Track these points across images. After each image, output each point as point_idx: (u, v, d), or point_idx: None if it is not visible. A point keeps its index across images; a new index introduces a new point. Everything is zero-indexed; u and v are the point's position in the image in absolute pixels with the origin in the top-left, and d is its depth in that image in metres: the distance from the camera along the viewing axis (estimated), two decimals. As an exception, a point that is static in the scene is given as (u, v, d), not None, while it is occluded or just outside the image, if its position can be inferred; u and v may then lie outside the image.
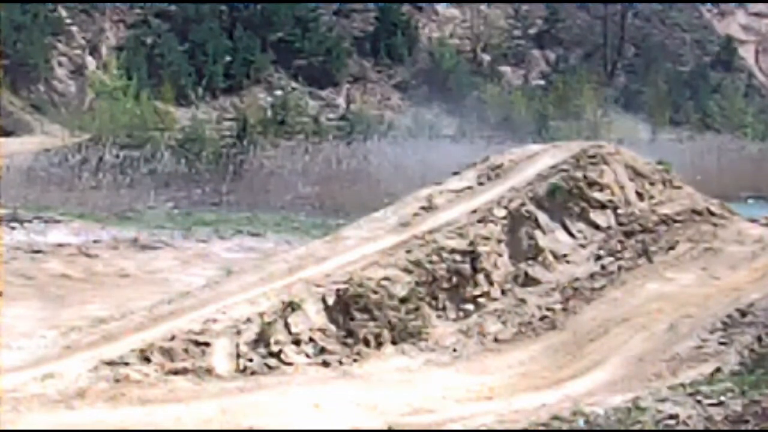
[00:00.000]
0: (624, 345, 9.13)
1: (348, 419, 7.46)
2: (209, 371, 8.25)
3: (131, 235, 13.67)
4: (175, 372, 8.16)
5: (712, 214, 11.86)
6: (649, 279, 10.60)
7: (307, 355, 8.73)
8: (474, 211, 10.81)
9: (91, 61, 46.53)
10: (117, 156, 32.11)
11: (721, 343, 8.81)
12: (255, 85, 47.16)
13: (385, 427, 7.27)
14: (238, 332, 8.62)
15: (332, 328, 9.03)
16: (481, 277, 10.12)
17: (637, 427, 6.54)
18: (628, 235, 11.23)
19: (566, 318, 9.90)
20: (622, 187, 11.68)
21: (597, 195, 11.43)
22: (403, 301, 9.45)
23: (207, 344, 8.44)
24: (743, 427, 6.50)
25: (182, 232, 15.42)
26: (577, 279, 10.54)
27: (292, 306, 8.96)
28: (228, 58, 46.88)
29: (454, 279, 9.95)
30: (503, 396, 8.15)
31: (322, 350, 8.81)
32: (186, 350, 8.34)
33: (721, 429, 6.53)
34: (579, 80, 49.98)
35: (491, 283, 10.17)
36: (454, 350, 9.35)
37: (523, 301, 10.15)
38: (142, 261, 12.46)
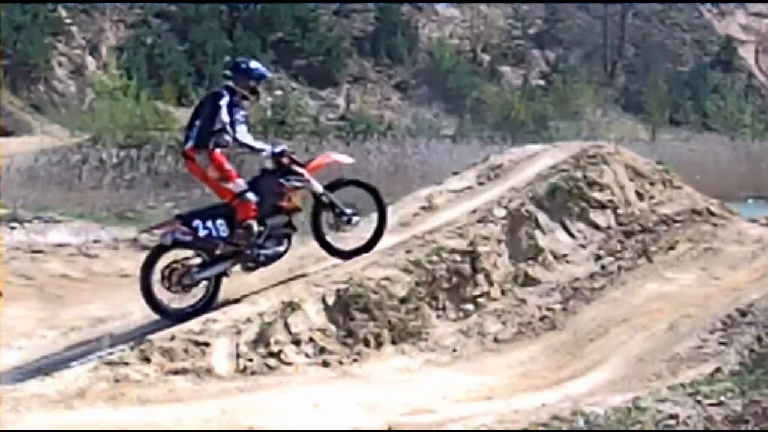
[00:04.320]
0: (624, 345, 9.13)
1: (348, 419, 7.45)
2: (209, 371, 8.25)
3: (131, 235, 13.64)
4: (175, 372, 8.15)
5: (712, 214, 11.87)
6: (649, 279, 10.60)
7: (307, 355, 8.73)
8: (474, 211, 10.81)
9: (91, 61, 46.58)
10: (117, 156, 32.12)
11: (721, 343, 8.81)
12: (255, 85, 47.05)
13: (385, 427, 7.27)
14: (238, 332, 8.62)
15: (332, 328, 9.02)
16: (481, 277, 10.11)
17: (637, 427, 6.54)
18: (628, 235, 11.24)
19: (566, 318, 9.90)
20: (622, 187, 11.68)
21: (597, 195, 11.43)
22: (403, 301, 9.45)
23: (207, 344, 8.44)
24: (743, 427, 6.50)
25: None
26: (577, 279, 10.54)
27: (292, 306, 8.95)
28: (228, 58, 46.89)
29: (454, 279, 9.94)
30: (503, 396, 8.15)
31: (322, 350, 8.81)
32: (186, 350, 8.34)
33: (721, 429, 6.53)
34: (579, 80, 50.03)
35: (491, 283, 10.16)
36: (454, 350, 9.35)
37: (523, 301, 10.14)
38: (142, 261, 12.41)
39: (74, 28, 47.13)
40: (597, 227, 11.26)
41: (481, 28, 54.53)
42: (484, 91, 49.55)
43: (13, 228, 13.91)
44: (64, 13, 47.14)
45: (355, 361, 8.81)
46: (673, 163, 15.01)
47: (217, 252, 9.14)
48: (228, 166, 9.30)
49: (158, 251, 9.18)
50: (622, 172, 11.82)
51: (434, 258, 9.91)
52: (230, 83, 9.43)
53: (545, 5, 55.82)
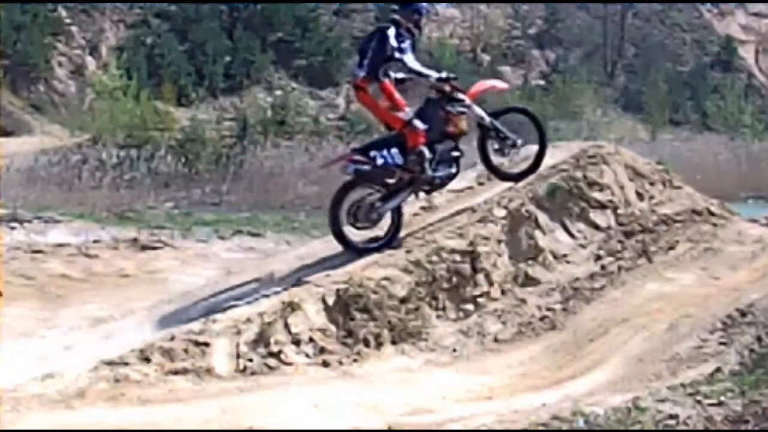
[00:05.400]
0: (624, 345, 9.12)
1: (348, 419, 7.46)
2: (209, 371, 8.25)
3: (131, 235, 13.65)
4: (175, 372, 8.16)
5: (712, 214, 11.85)
6: (649, 279, 10.59)
7: (307, 355, 8.73)
8: (474, 211, 10.80)
9: (91, 61, 46.57)
10: (117, 156, 32.09)
11: (721, 343, 8.80)
12: (255, 85, 47.19)
13: (385, 427, 7.27)
14: (238, 332, 8.62)
15: (332, 328, 9.02)
16: (481, 277, 10.11)
17: (637, 427, 6.54)
18: (628, 235, 11.23)
19: (566, 318, 9.90)
20: (622, 187, 11.67)
21: (597, 195, 11.42)
22: (403, 301, 9.45)
23: (207, 344, 8.44)
24: (743, 427, 6.50)
25: (182, 232, 15.41)
26: (577, 279, 10.53)
27: (292, 306, 8.96)
28: (228, 58, 46.91)
29: (454, 279, 9.94)
30: (503, 396, 8.15)
31: (322, 350, 8.81)
32: (186, 350, 8.34)
33: (721, 429, 6.53)
34: (579, 80, 50.00)
35: (491, 283, 10.16)
36: (454, 350, 9.35)
37: (523, 301, 10.14)
38: (142, 261, 12.44)
39: (74, 28, 47.13)
40: (597, 227, 11.26)
41: (481, 28, 54.51)
42: (484, 91, 49.46)
43: (13, 228, 13.92)
44: (64, 13, 47.14)
45: (355, 361, 8.82)
46: (673, 163, 15.00)
47: (394, 180, 9.84)
48: (397, 95, 10.01)
49: (344, 190, 9.90)
50: (622, 172, 11.81)
51: (434, 258, 9.91)
52: (396, 16, 10.09)
53: (545, 5, 55.80)
